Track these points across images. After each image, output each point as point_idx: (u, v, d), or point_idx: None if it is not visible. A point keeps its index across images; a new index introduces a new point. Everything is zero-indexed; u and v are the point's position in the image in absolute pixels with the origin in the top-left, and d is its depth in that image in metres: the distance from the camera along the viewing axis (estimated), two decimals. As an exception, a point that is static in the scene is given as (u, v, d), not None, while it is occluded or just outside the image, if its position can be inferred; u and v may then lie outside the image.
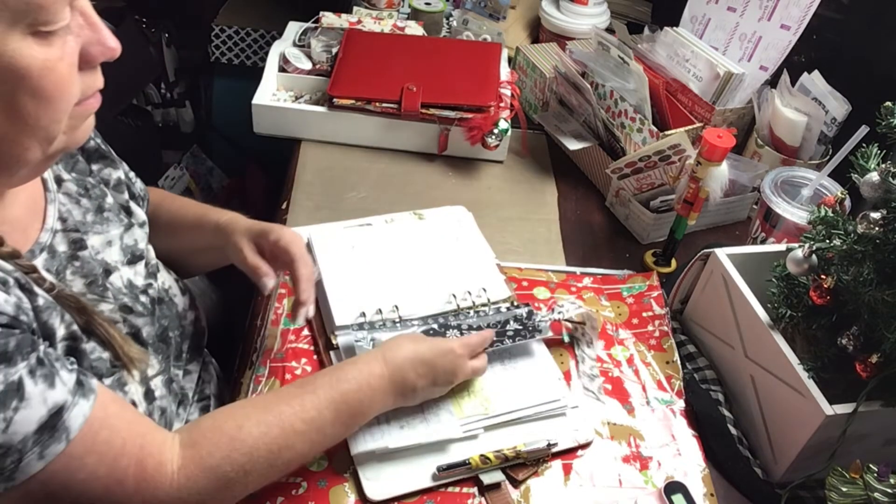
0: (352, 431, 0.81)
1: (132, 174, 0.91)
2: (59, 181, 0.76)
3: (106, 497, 0.62)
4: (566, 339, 1.01)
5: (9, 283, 0.60)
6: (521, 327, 0.96)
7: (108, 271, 0.77)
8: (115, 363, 0.70)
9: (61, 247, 0.72)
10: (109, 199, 0.81)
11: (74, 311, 0.67)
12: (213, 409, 0.94)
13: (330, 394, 0.76)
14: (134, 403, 0.73)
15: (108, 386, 0.70)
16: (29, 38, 0.55)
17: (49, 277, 0.67)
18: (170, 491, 0.65)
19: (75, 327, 0.66)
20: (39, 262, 0.69)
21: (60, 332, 0.65)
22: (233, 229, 0.90)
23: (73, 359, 0.65)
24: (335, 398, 0.76)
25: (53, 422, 0.58)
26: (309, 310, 0.87)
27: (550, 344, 0.99)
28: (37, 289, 0.63)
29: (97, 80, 0.64)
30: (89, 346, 0.68)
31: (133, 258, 0.81)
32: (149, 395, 0.77)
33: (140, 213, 0.86)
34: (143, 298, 0.80)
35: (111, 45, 0.62)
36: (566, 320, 1.00)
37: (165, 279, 0.88)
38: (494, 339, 0.94)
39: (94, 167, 0.82)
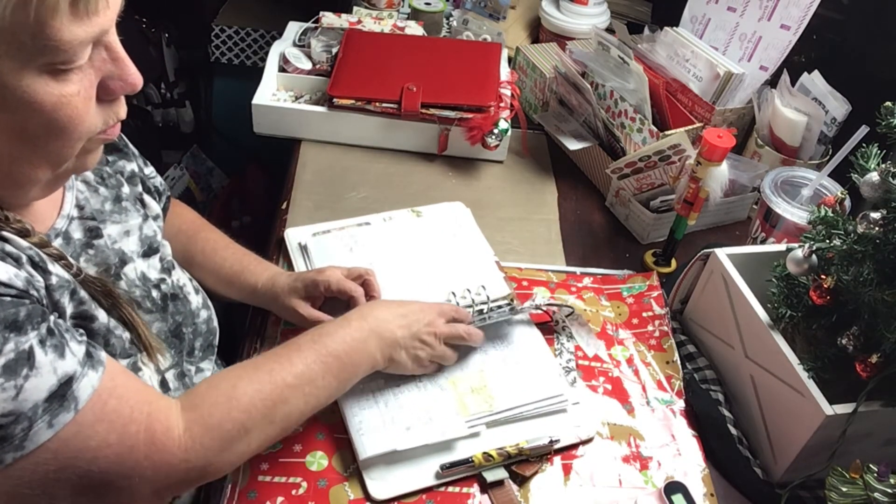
0: (346, 385, 0.81)
1: (149, 169, 0.92)
2: None
3: (118, 463, 0.63)
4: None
5: (21, 260, 0.62)
6: (504, 319, 0.97)
7: (123, 261, 0.78)
8: (130, 348, 0.72)
9: (77, 234, 0.73)
10: (126, 189, 0.82)
11: (101, 294, 0.69)
12: None
13: (314, 347, 0.78)
14: None
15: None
16: (45, 75, 0.56)
17: (59, 270, 0.68)
18: (178, 453, 0.67)
19: (86, 307, 0.67)
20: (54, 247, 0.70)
21: (69, 310, 0.66)
22: (276, 293, 0.94)
23: (82, 331, 0.65)
24: (320, 351, 0.78)
25: (63, 391, 0.59)
26: None
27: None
28: (51, 267, 0.65)
29: (120, 110, 0.65)
30: (105, 324, 0.69)
31: (150, 250, 0.82)
32: (164, 385, 0.78)
33: (154, 206, 0.87)
34: (154, 294, 0.80)
35: (132, 80, 0.62)
36: (547, 306, 1.01)
37: (180, 276, 0.88)
38: (476, 318, 0.96)
39: (110, 158, 0.83)
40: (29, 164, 0.60)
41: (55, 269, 0.65)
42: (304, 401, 0.76)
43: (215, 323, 0.92)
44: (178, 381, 0.81)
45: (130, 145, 0.89)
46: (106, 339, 0.69)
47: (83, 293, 0.68)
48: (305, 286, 0.93)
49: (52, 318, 0.62)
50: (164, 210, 0.94)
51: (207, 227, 1.03)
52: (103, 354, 0.65)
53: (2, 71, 0.54)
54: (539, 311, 1.01)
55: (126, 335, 0.72)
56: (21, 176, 0.61)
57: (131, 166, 0.86)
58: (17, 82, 0.54)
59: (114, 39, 0.60)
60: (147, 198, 0.87)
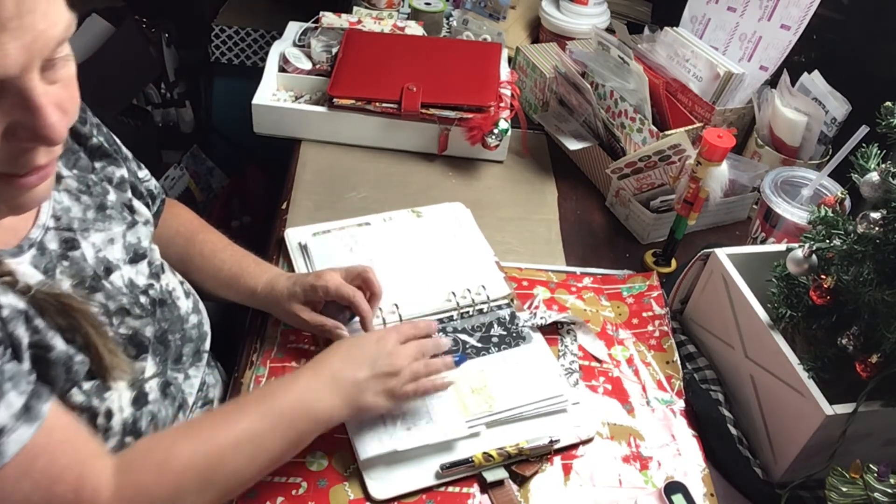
0: (304, 440, 0.77)
1: (143, 172, 0.91)
2: (58, 178, 0.75)
3: None
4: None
5: None
6: (504, 333, 0.97)
7: (109, 269, 0.76)
8: (96, 370, 0.69)
9: (52, 244, 0.71)
10: (112, 197, 0.81)
11: (56, 313, 0.66)
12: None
13: (259, 407, 0.74)
14: (110, 413, 0.71)
15: (87, 391, 0.68)
16: None
17: (33, 278, 0.66)
18: None
19: (41, 336, 0.64)
20: (27, 258, 0.68)
21: (25, 340, 0.63)
22: (275, 297, 0.93)
23: (31, 378, 0.62)
24: (265, 409, 0.74)
25: None
26: (373, 328, 0.91)
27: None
28: (2, 298, 0.62)
29: (33, 159, 0.58)
30: (64, 351, 0.66)
31: (136, 256, 0.81)
32: (139, 400, 0.75)
33: (144, 212, 0.86)
34: (143, 299, 0.79)
35: (43, 133, 0.56)
36: (551, 323, 1.01)
37: (170, 281, 0.87)
38: (480, 345, 0.96)
39: (97, 164, 0.82)
40: None
41: (7, 299, 0.62)
42: (248, 461, 0.72)
43: (206, 327, 0.91)
44: (160, 392, 0.79)
45: (123, 149, 0.88)
46: (67, 367, 0.66)
47: (39, 321, 0.65)
48: (304, 291, 0.92)
49: None
50: (157, 214, 0.93)
51: (206, 228, 1.01)
52: (46, 408, 0.61)
53: None
54: (545, 325, 1.01)
55: (81, 357, 0.68)
56: None
57: (120, 172, 0.84)
58: None
59: (31, 87, 0.54)
60: (136, 203, 0.85)
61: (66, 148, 0.76)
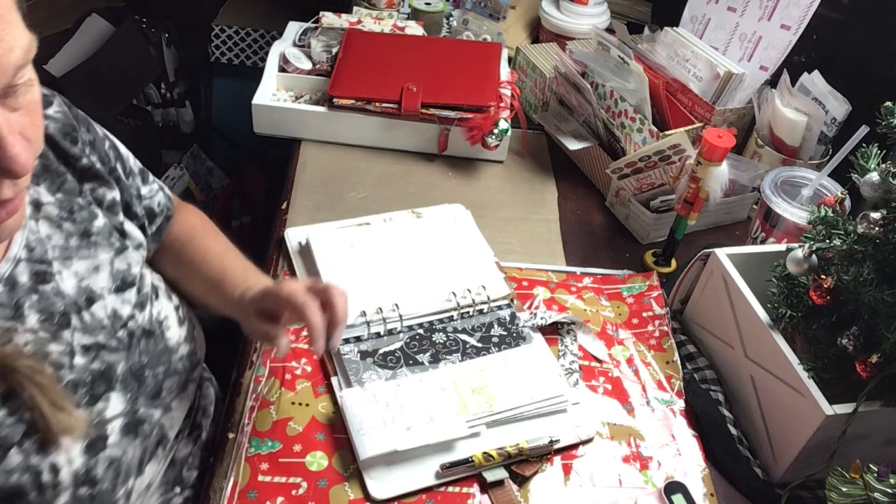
0: None
1: (148, 188, 0.86)
2: (36, 205, 0.70)
3: None
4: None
5: None
6: (505, 333, 0.97)
7: (91, 299, 0.72)
8: (36, 428, 0.64)
9: (23, 277, 0.67)
10: (100, 222, 0.75)
11: None
12: (205, 437, 0.90)
13: None
14: (56, 468, 0.65)
15: (27, 449, 0.63)
16: None
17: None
18: None
19: None
20: None
21: None
22: (243, 307, 0.83)
23: None
24: None
25: None
26: (319, 347, 0.78)
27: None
28: None
29: (2, 191, 0.55)
30: (1, 415, 0.62)
31: (123, 284, 0.76)
32: (94, 447, 0.69)
33: (137, 235, 0.81)
34: (120, 333, 0.74)
35: (5, 165, 0.53)
36: (551, 323, 1.01)
37: (163, 308, 0.81)
38: (480, 345, 0.95)
39: (86, 186, 0.76)
40: None
41: None
42: None
43: (199, 356, 0.87)
44: (123, 433, 0.73)
45: (129, 163, 0.83)
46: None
47: None
48: (259, 300, 0.81)
49: None
50: (159, 232, 0.88)
51: (205, 233, 0.94)
52: None
53: None
54: (545, 325, 1.01)
55: (28, 415, 0.63)
56: None
57: (112, 194, 0.78)
58: None
59: None
60: (128, 226, 0.80)
61: (50, 170, 0.72)
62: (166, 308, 0.82)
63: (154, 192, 0.87)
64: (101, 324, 0.72)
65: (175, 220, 0.92)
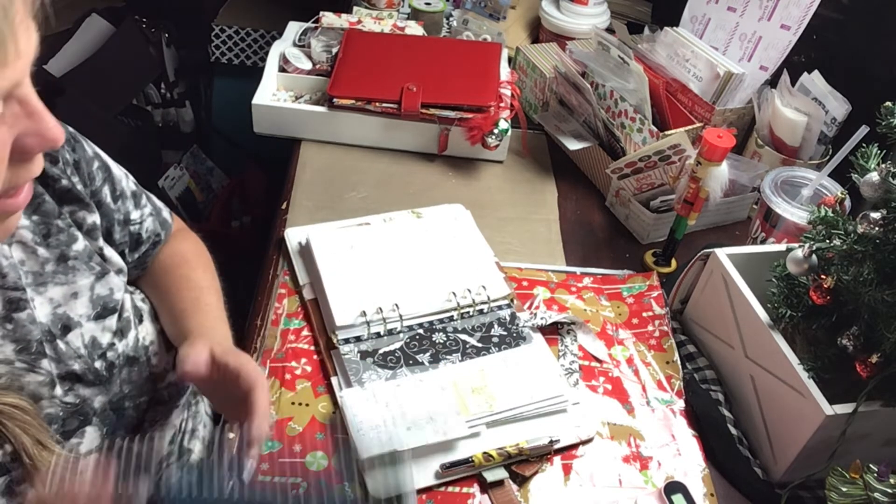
0: None
1: (138, 213, 0.82)
2: None
3: None
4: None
5: None
6: (505, 333, 0.97)
7: (67, 327, 0.69)
8: (10, 465, 0.62)
9: None
10: (79, 245, 0.72)
11: None
12: (194, 457, 0.87)
13: None
14: None
15: None
16: None
17: None
18: None
19: None
20: None
21: None
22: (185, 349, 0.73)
23: None
24: None
25: None
26: (252, 460, 0.69)
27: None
28: None
29: (31, 170, 0.56)
30: None
31: (104, 311, 0.73)
32: None
33: (117, 260, 0.77)
34: (97, 364, 0.71)
35: (51, 136, 0.54)
36: (551, 323, 1.01)
37: (148, 332, 0.78)
38: (480, 345, 0.95)
39: (66, 209, 0.72)
40: None
41: None
42: None
43: (186, 382, 0.82)
44: None
45: (120, 185, 0.79)
46: None
47: None
48: (222, 355, 0.73)
49: None
50: (144, 257, 0.84)
51: (193, 265, 0.87)
52: None
53: None
54: (545, 326, 1.01)
55: (6, 448, 0.61)
56: None
57: (92, 218, 0.74)
58: None
59: (28, 91, 0.52)
60: (108, 251, 0.76)
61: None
62: (151, 333, 0.79)
63: (145, 216, 0.83)
64: (77, 353, 0.69)
65: (167, 245, 0.88)
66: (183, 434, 0.87)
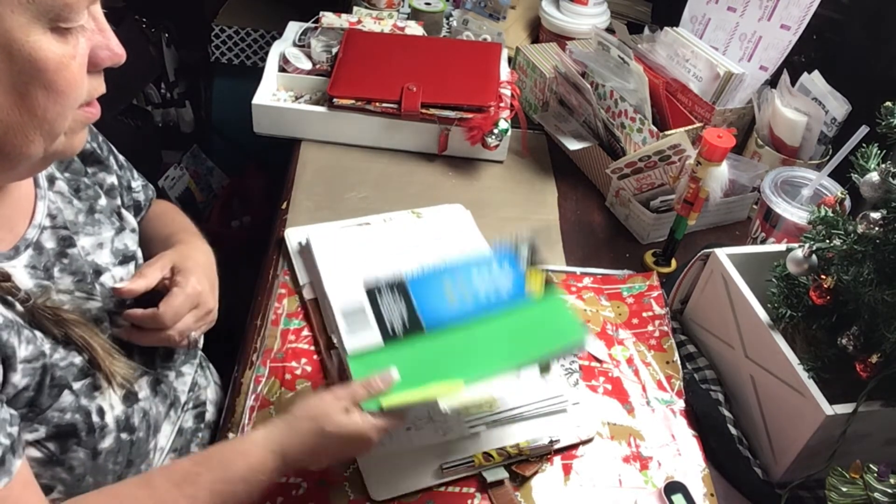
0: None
1: (136, 184, 0.92)
2: (51, 180, 0.76)
3: None
4: None
5: None
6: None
7: (98, 272, 0.77)
8: (88, 370, 0.70)
9: (49, 243, 0.72)
10: (102, 202, 0.81)
11: (52, 322, 0.67)
12: (208, 417, 0.92)
13: (203, 484, 0.69)
14: (102, 411, 0.71)
15: (77, 391, 0.69)
16: (49, 33, 0.57)
17: (27, 284, 0.67)
18: None
19: (40, 343, 0.65)
20: (24, 258, 0.69)
21: (21, 352, 0.63)
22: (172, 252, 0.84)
23: (12, 430, 0.61)
24: (208, 485, 0.69)
25: None
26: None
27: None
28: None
29: (101, 85, 0.65)
30: (58, 357, 0.67)
31: (125, 259, 0.82)
32: (129, 398, 0.75)
33: (131, 220, 0.86)
34: (128, 302, 0.78)
35: (118, 51, 0.64)
36: None
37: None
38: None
39: (90, 169, 0.82)
40: (23, 136, 0.59)
41: (6, 305, 0.64)
42: None
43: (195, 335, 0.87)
44: (150, 389, 0.79)
45: (119, 157, 0.88)
46: (52, 375, 0.66)
47: (30, 332, 0.65)
48: (177, 260, 0.82)
49: None
50: (141, 220, 0.93)
51: (171, 213, 0.98)
52: (17, 464, 0.61)
53: (12, 26, 0.54)
54: None
55: (78, 360, 0.69)
56: (13, 149, 0.60)
57: (111, 179, 0.84)
58: (26, 37, 0.55)
59: (99, 10, 0.62)
60: (124, 211, 0.86)
61: None
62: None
63: (139, 187, 0.93)
64: (110, 294, 0.77)
65: (154, 214, 0.97)
66: (197, 387, 0.92)
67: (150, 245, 0.90)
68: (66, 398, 0.68)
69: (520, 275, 0.85)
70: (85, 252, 0.76)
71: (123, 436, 0.74)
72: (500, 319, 0.82)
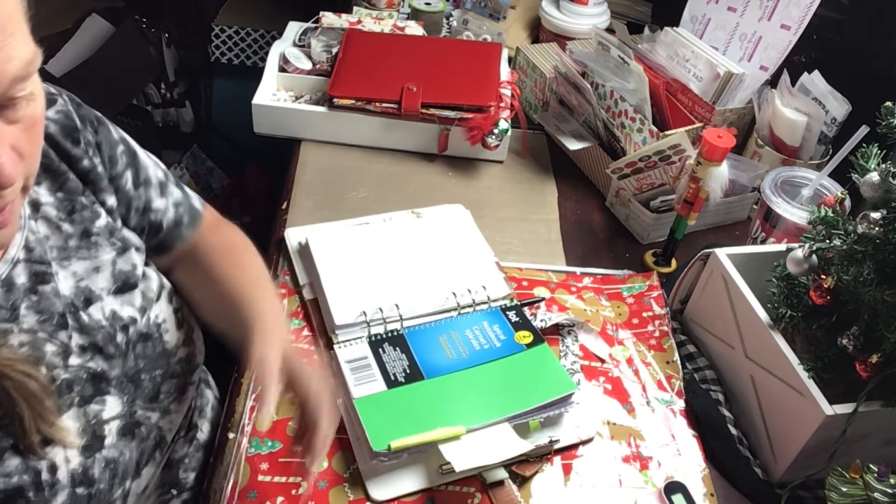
0: None
1: (163, 202, 0.83)
2: (35, 206, 0.69)
3: None
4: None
5: None
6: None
7: (89, 300, 0.71)
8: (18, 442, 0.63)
9: (21, 279, 0.66)
10: (101, 221, 0.74)
11: None
12: (201, 439, 0.90)
13: None
14: (55, 467, 0.65)
15: (25, 450, 0.62)
16: None
17: None
18: None
19: None
20: None
21: None
22: (263, 352, 0.74)
23: None
24: None
25: None
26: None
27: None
28: None
29: None
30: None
31: (125, 286, 0.75)
32: (90, 448, 0.69)
33: (135, 239, 0.79)
34: (119, 338, 0.73)
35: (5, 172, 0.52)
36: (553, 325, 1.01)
37: (162, 311, 0.79)
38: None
39: (88, 188, 0.74)
40: None
41: None
42: None
43: (199, 359, 0.85)
44: (119, 436, 0.72)
45: (146, 171, 0.80)
46: None
47: None
48: (291, 374, 0.74)
49: None
50: (164, 246, 0.84)
51: (242, 250, 0.90)
52: None
53: None
54: (546, 327, 1.01)
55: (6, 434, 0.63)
56: None
57: (111, 200, 0.76)
58: None
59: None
60: (126, 232, 0.78)
61: (51, 170, 0.70)
62: (165, 311, 0.80)
63: (168, 206, 0.83)
64: (99, 324, 0.71)
65: (215, 233, 0.89)
66: (193, 411, 0.89)
67: (204, 289, 0.83)
68: (12, 461, 0.62)
69: (509, 331, 0.96)
70: (77, 278, 0.70)
71: (80, 490, 0.67)
72: (493, 366, 0.92)
